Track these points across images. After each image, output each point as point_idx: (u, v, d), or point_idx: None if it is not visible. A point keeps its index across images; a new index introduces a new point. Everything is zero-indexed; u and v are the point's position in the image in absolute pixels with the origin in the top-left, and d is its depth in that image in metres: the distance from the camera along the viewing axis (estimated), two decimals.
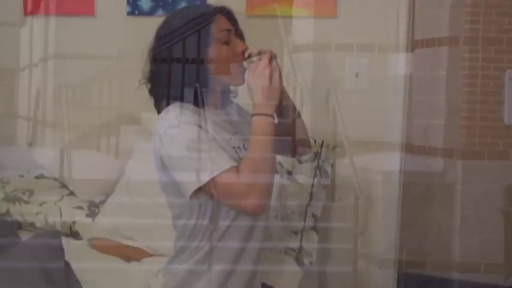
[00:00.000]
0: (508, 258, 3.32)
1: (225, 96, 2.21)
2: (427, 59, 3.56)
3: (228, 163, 2.02)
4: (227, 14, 2.16)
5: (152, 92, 2.18)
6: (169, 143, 2.04)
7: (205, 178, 2.00)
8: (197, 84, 2.10)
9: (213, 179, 2.00)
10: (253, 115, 2.06)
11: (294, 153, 2.40)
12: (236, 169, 2.01)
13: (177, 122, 2.05)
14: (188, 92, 2.11)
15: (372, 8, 3.55)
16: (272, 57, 2.08)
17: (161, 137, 2.06)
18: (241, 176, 2.01)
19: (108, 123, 3.99)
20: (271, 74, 2.05)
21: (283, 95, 2.15)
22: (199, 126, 2.05)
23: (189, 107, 2.10)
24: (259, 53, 2.10)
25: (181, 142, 2.03)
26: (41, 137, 4.17)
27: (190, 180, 2.02)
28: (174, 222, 2.17)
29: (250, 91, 2.08)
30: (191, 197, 2.04)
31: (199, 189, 2.02)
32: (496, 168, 3.39)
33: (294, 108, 2.28)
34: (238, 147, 2.10)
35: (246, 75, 2.11)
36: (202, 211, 2.07)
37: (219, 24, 2.12)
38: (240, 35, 2.17)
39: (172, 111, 2.09)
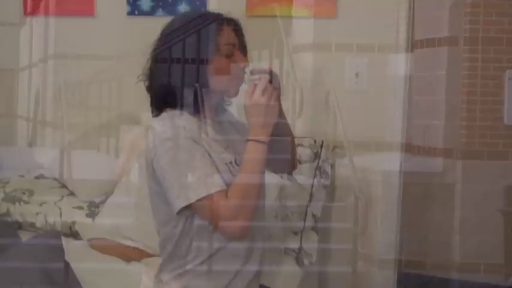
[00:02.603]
0: (508, 259, 3.32)
1: (220, 105, 2.20)
2: (427, 59, 3.56)
3: (217, 185, 2.00)
4: (235, 27, 2.15)
5: (149, 89, 2.17)
6: (163, 155, 2.02)
7: (193, 197, 1.99)
8: (196, 85, 2.09)
9: (200, 199, 2.01)
10: (248, 140, 2.04)
11: (284, 171, 2.41)
12: (225, 193, 2.01)
13: (172, 134, 2.04)
14: (187, 93, 2.11)
15: (372, 8, 3.55)
16: (273, 78, 2.06)
17: (155, 147, 2.04)
18: (228, 201, 2.00)
19: (108, 123, 3.99)
20: (269, 99, 2.03)
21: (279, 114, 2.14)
22: (194, 141, 2.04)
23: (186, 117, 2.08)
24: (260, 71, 2.07)
25: (174, 157, 2.02)
26: (41, 137, 4.17)
27: (179, 196, 2.02)
28: (158, 229, 2.16)
29: (246, 115, 2.05)
30: (178, 213, 2.03)
31: (186, 206, 2.02)
32: (496, 168, 3.38)
33: (288, 128, 2.27)
34: (230, 162, 2.08)
35: (245, 96, 2.08)
36: (188, 221, 2.06)
37: (225, 37, 2.10)
38: (243, 49, 2.15)
39: (169, 121, 2.08)
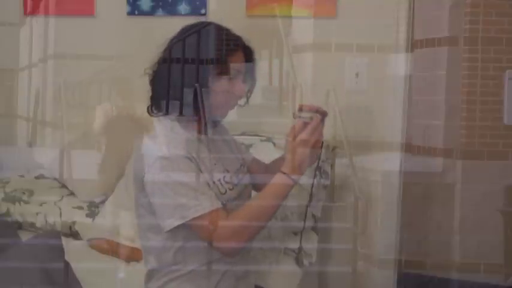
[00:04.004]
0: (507, 259, 3.32)
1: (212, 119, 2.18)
2: (427, 59, 3.56)
3: (211, 204, 2.00)
4: (248, 53, 2.14)
5: (152, 83, 2.15)
6: (156, 173, 2.02)
7: (187, 216, 2.00)
8: (196, 85, 2.08)
9: (195, 218, 1.99)
10: (280, 171, 2.03)
11: None
12: (220, 211, 2.01)
13: (168, 152, 2.03)
14: (186, 94, 2.10)
15: (371, 8, 3.55)
16: (324, 118, 2.03)
17: (148, 164, 2.03)
18: (233, 221, 2.00)
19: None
20: (317, 141, 2.01)
21: None
22: (188, 158, 2.03)
23: (180, 131, 2.07)
24: (311, 110, 2.03)
25: (168, 176, 2.00)
26: (41, 137, 4.17)
27: (173, 215, 2.01)
28: (141, 237, 2.16)
29: (287, 148, 2.04)
30: (168, 231, 2.03)
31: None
32: (496, 168, 3.38)
33: None
34: (219, 180, 2.07)
35: (291, 131, 2.02)
36: (173, 232, 2.05)
37: (233, 60, 2.09)
38: (250, 79, 2.12)
39: (163, 137, 2.06)
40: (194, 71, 2.09)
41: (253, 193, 2.25)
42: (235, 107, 2.17)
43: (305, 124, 2.02)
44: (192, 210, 1.99)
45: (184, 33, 2.12)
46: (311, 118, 2.02)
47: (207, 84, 2.07)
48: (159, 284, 2.11)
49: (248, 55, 2.13)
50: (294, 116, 2.05)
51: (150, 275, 2.15)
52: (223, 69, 2.08)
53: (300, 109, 2.05)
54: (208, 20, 2.21)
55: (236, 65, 2.09)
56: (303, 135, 2.01)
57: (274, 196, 2.03)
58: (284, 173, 2.01)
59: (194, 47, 2.09)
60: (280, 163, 2.16)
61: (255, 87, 2.21)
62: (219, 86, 2.08)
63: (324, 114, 2.04)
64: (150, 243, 2.12)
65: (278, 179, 2.02)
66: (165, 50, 2.13)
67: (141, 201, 2.10)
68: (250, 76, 2.14)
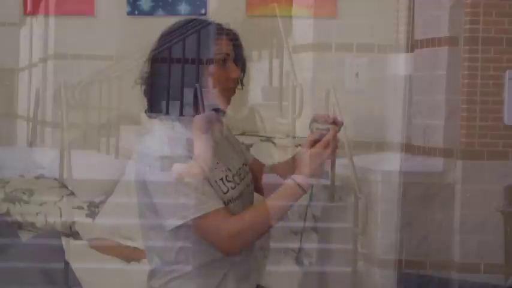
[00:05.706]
0: (507, 259, 3.32)
1: (213, 116, 2.17)
2: (427, 59, 3.56)
3: (214, 204, 1.99)
4: (232, 38, 2.12)
5: (146, 93, 2.16)
6: (158, 173, 2.00)
7: (189, 216, 1.98)
8: (197, 85, 2.08)
9: (196, 218, 1.99)
10: (291, 178, 2.00)
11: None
12: (222, 211, 1.99)
13: (169, 152, 2.01)
14: (186, 93, 2.09)
15: (372, 8, 3.55)
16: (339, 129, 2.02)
17: (151, 164, 2.02)
18: (237, 222, 1.99)
19: (108, 123, 3.99)
20: (331, 152, 1.98)
21: None
22: (190, 157, 2.02)
23: (180, 130, 2.07)
24: (327, 120, 2.01)
25: (170, 175, 1.99)
26: (41, 137, 4.17)
27: (174, 214, 2.00)
28: (144, 237, 2.16)
29: (300, 157, 2.01)
30: (170, 230, 2.03)
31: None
32: (496, 168, 3.38)
33: None
34: (221, 179, 2.07)
35: (307, 141, 2.00)
36: (174, 232, 2.05)
37: (220, 46, 2.09)
38: (241, 61, 2.12)
39: (164, 136, 2.06)
40: (186, 69, 2.09)
41: (254, 194, 2.25)
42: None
43: (321, 135, 2.01)
44: (193, 210, 1.99)
45: (166, 39, 2.12)
46: (328, 130, 2.01)
47: (203, 78, 2.07)
48: (162, 283, 2.11)
49: (233, 38, 2.12)
50: (310, 127, 2.03)
51: (152, 274, 2.15)
52: (213, 58, 2.07)
53: (315, 120, 2.04)
54: (187, 18, 2.21)
55: (222, 48, 2.09)
56: (320, 147, 2.00)
57: (283, 202, 2.03)
58: (295, 181, 2.01)
59: (181, 46, 2.09)
60: (283, 167, 2.16)
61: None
62: (214, 76, 2.08)
63: (340, 125, 2.04)
64: (153, 242, 2.12)
65: (288, 185, 2.02)
66: (151, 58, 2.13)
67: (143, 201, 2.10)
68: (239, 58, 2.14)
